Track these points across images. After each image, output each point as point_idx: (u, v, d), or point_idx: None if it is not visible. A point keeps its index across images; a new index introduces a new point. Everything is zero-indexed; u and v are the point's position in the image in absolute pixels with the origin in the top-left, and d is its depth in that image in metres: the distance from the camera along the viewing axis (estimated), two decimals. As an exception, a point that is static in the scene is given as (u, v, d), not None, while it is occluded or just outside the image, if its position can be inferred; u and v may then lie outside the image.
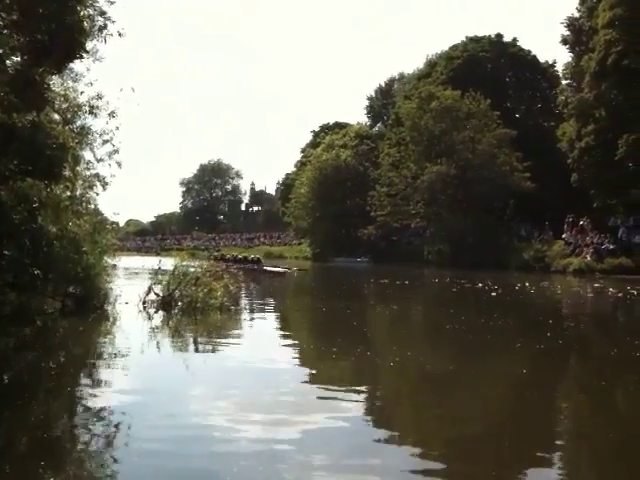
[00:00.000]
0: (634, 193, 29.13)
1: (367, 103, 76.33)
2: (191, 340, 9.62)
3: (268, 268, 29.53)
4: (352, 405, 5.81)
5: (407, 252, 40.93)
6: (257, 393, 6.22)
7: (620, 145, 26.42)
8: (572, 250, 29.58)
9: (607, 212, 30.94)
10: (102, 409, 5.47)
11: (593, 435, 5.14)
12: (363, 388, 6.55)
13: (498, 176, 35.25)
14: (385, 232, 44.46)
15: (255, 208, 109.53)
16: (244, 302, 15.87)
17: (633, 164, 26.45)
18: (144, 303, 12.47)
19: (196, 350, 8.78)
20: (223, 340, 9.59)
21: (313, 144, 64.31)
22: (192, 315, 11.78)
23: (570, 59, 34.18)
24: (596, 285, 20.79)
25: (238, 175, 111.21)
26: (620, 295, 16.83)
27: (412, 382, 7.08)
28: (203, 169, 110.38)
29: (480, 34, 47.07)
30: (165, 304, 12.29)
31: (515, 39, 46.53)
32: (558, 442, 5.17)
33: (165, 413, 5.48)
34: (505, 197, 35.77)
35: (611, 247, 27.66)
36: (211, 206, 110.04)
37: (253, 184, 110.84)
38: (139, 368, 7.45)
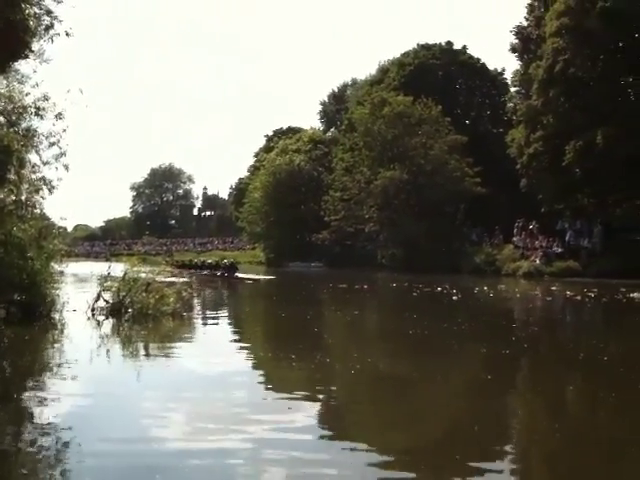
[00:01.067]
0: (580, 198, 30.06)
1: (320, 108, 76.62)
2: (142, 348, 9.33)
3: (242, 275, 27.64)
4: (309, 412, 5.69)
5: (361, 257, 41.08)
6: (210, 402, 6.04)
7: (567, 151, 27.05)
8: (522, 254, 30.24)
9: (555, 216, 31.75)
10: (49, 422, 5.21)
11: (551, 437, 5.15)
12: (321, 395, 6.41)
13: (450, 181, 35.84)
14: (339, 237, 44.52)
15: (208, 213, 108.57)
16: (198, 308, 15.59)
17: (580, 170, 27.10)
18: (93, 310, 12.09)
19: (147, 358, 8.52)
20: (175, 347, 9.33)
21: (266, 149, 64.09)
22: (143, 322, 11.44)
23: (519, 67, 34.97)
24: (553, 288, 21.04)
25: (190, 179, 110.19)
26: (579, 298, 16.95)
27: (372, 389, 6.96)
28: (154, 173, 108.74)
29: (431, 41, 47.82)
30: (115, 311, 11.92)
31: (465, 47, 47.44)
32: (515, 445, 5.16)
33: (116, 424, 5.27)
34: (456, 202, 36.43)
35: (559, 250, 28.37)
36: (162, 211, 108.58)
37: (205, 188, 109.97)
38: (88, 378, 7.15)
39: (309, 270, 40.80)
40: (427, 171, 36.54)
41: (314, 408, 5.89)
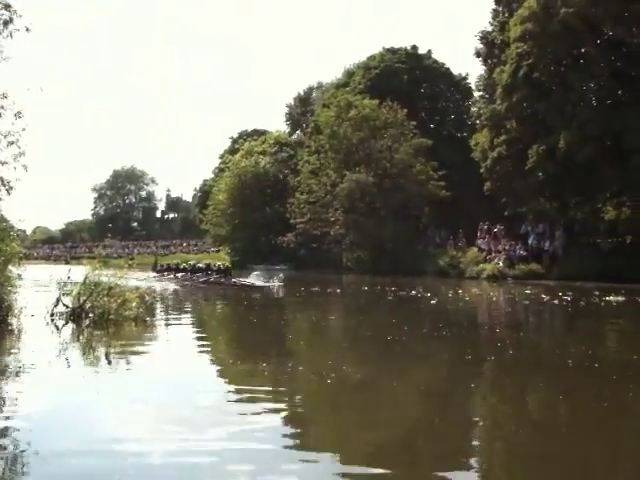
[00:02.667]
0: (543, 201, 30.55)
1: (286, 111, 76.39)
2: (103, 354, 9.04)
3: (241, 280, 23.72)
4: (273, 418, 5.58)
5: (326, 259, 41.07)
6: (171, 408, 5.87)
7: (530, 155, 27.42)
8: (485, 256, 30.56)
9: (518, 219, 32.18)
10: (4, 431, 4.99)
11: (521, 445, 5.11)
12: (287, 401, 6.26)
13: (415, 184, 36.15)
14: (305, 239, 44.49)
15: (171, 215, 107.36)
16: (162, 313, 15.26)
17: (542, 173, 27.49)
18: (52, 315, 11.72)
19: (109, 364, 8.25)
20: (137, 353, 9.05)
21: (231, 150, 63.62)
22: (104, 327, 11.10)
23: (483, 71, 35.37)
24: (527, 292, 20.96)
25: (153, 181, 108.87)
26: (556, 302, 16.92)
27: (343, 397, 6.76)
28: (116, 175, 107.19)
29: (397, 46, 48.16)
30: (75, 316, 11.55)
31: (430, 51, 47.92)
32: (481, 448, 5.14)
33: (76, 433, 5.07)
34: (421, 205, 36.77)
35: (522, 253, 28.72)
36: (124, 213, 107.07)
37: (169, 191, 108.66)
38: (47, 385, 6.86)
39: (275, 273, 40.56)
40: (392, 174, 36.76)
41: (279, 414, 5.76)
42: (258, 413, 5.71)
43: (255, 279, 24.25)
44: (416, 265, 31.88)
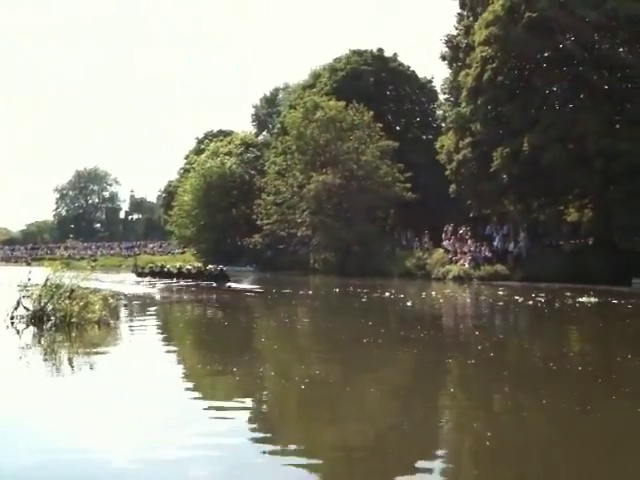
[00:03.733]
0: (507, 203, 30.96)
1: (252, 111, 76.13)
2: (65, 358, 8.80)
3: (238, 286, 22.09)
4: (241, 425, 5.52)
5: (293, 261, 40.93)
6: (136, 412, 5.78)
7: (495, 158, 27.74)
8: (451, 258, 30.83)
9: (483, 221, 32.57)
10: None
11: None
12: (255, 406, 6.18)
13: (381, 186, 36.28)
14: (271, 241, 44.28)
15: (135, 216, 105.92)
16: (125, 315, 14.95)
17: (506, 176, 27.84)
18: (12, 318, 11.41)
19: (71, 369, 8.03)
20: (101, 358, 8.83)
21: (197, 151, 62.98)
22: (67, 331, 10.83)
23: (448, 75, 35.70)
24: (500, 293, 21.01)
25: (116, 182, 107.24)
26: (530, 303, 17.00)
27: (313, 403, 6.65)
28: (79, 175, 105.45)
29: (363, 48, 48.32)
30: (36, 319, 11.26)
31: (395, 54, 48.16)
32: (445, 447, 5.21)
33: (37, 440, 4.93)
34: (388, 207, 36.94)
35: (487, 255, 29.05)
36: (87, 214, 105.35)
37: (133, 191, 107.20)
38: (5, 391, 6.63)
39: (241, 275, 40.24)
40: (359, 176, 36.83)
41: (246, 419, 5.72)
42: (224, 417, 5.63)
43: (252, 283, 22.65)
44: (383, 266, 31.99)
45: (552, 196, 29.06)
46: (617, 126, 25.78)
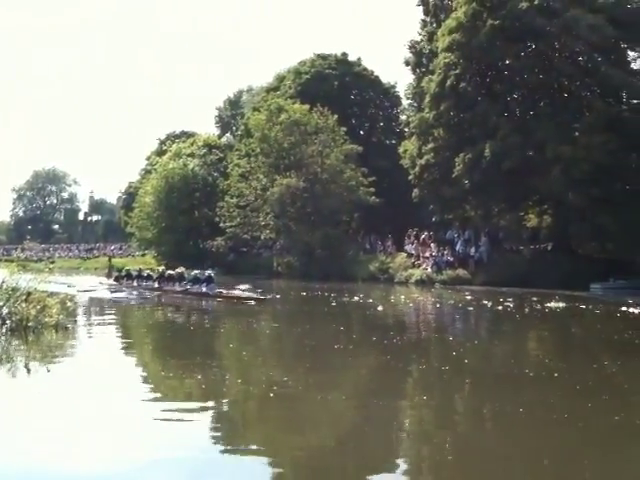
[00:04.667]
0: (469, 209, 31.34)
1: (216, 113, 75.61)
2: (21, 364, 8.52)
3: (234, 293, 20.03)
4: (201, 430, 5.45)
5: (257, 264, 40.66)
6: (95, 417, 5.67)
7: (457, 163, 28.01)
8: (414, 262, 31.06)
9: (446, 226, 32.91)
10: None
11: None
12: (221, 414, 6.06)
13: (345, 190, 36.38)
14: (234, 244, 43.94)
15: (94, 217, 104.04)
16: (84, 319, 14.61)
17: (468, 182, 28.13)
18: (-35, 323, 10.99)
19: (27, 374, 7.79)
20: (58, 362, 8.60)
21: (159, 152, 62.19)
22: (23, 335, 10.51)
23: (412, 80, 36.02)
24: (468, 297, 20.97)
25: (75, 182, 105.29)
26: (500, 308, 16.94)
27: (278, 408, 6.55)
28: (37, 175, 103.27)
29: (327, 52, 48.43)
30: (-9, 323, 10.90)
31: (359, 59, 48.43)
32: (403, 451, 5.22)
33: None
34: (351, 211, 37.03)
35: (449, 259, 29.36)
36: (45, 215, 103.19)
37: (92, 192, 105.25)
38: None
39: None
40: (323, 180, 36.85)
41: (205, 424, 5.65)
42: (181, 418, 5.58)
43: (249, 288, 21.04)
44: (346, 270, 32.04)
45: (512, 202, 29.47)
46: (576, 134, 26.29)
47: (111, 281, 26.06)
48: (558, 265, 25.82)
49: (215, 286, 20.51)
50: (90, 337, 11.88)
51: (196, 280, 21.07)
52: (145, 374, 8.43)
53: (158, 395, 6.94)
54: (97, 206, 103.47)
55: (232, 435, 5.49)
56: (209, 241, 46.24)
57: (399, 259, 32.37)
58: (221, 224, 41.90)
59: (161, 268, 24.34)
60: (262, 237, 40.00)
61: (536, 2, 26.03)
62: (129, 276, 24.93)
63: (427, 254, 30.71)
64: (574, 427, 5.69)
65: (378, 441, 5.31)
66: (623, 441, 5.36)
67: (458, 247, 30.24)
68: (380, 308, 17.40)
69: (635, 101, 27.62)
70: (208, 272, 21.85)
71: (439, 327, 14.60)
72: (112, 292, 22.22)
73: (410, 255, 31.97)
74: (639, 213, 24.45)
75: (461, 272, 28.19)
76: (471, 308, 18.42)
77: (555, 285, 22.98)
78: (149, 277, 23.82)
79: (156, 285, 22.75)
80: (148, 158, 67.87)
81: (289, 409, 6.39)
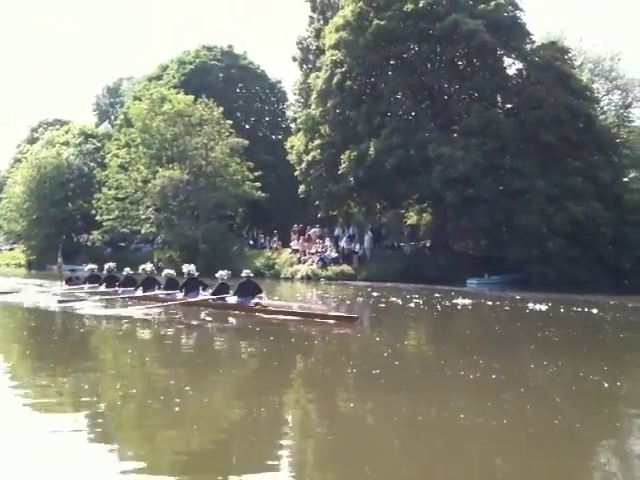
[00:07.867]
0: (353, 205, 31.88)
1: (94, 101, 72.13)
2: None
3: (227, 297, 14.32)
4: (75, 435, 5.10)
5: (136, 259, 38.97)
6: None
7: (343, 160, 28.33)
8: (299, 258, 31.10)
9: (331, 222, 33.24)
10: None
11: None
12: (93, 417, 5.55)
13: (230, 184, 35.76)
14: (112, 238, 41.96)
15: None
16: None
17: (353, 179, 28.53)
18: None
19: None
20: None
21: (30, 140, 58.43)
22: None
23: (299, 76, 36.04)
24: (375, 294, 20.47)
25: None
26: (412, 305, 16.57)
27: (153, 410, 6.11)
28: None
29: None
30: None
31: (245, 52, 48.05)
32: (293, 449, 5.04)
33: None
34: (236, 205, 36.46)
35: (334, 255, 29.65)
36: None
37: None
38: None
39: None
40: (208, 173, 36.01)
41: (81, 429, 5.29)
42: (55, 431, 5.13)
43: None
44: (231, 266, 31.29)
45: (394, 199, 30.36)
46: (455, 135, 27.40)
47: (63, 284, 19.72)
48: (436, 261, 26.90)
49: (203, 290, 15.12)
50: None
51: (172, 284, 15.84)
52: (8, 380, 7.62)
53: (24, 399, 6.25)
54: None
55: (104, 439, 5.01)
56: (84, 235, 43.85)
57: (285, 255, 32.31)
58: (97, 217, 39.79)
59: (127, 269, 18.28)
60: (142, 231, 38.41)
61: (421, 5, 26.84)
62: (91, 279, 19.04)
63: (312, 250, 30.84)
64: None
65: (260, 437, 5.14)
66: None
67: (342, 243, 30.65)
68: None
69: (509, 105, 29.28)
70: (189, 269, 15.93)
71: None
72: (61, 302, 15.31)
73: (295, 251, 31.98)
74: (511, 212, 25.99)
75: (345, 268, 28.58)
76: (383, 305, 17.47)
77: (434, 281, 23.81)
78: (131, 280, 17.40)
79: (139, 292, 16.33)
80: (18, 146, 63.63)
81: (166, 409, 5.97)
